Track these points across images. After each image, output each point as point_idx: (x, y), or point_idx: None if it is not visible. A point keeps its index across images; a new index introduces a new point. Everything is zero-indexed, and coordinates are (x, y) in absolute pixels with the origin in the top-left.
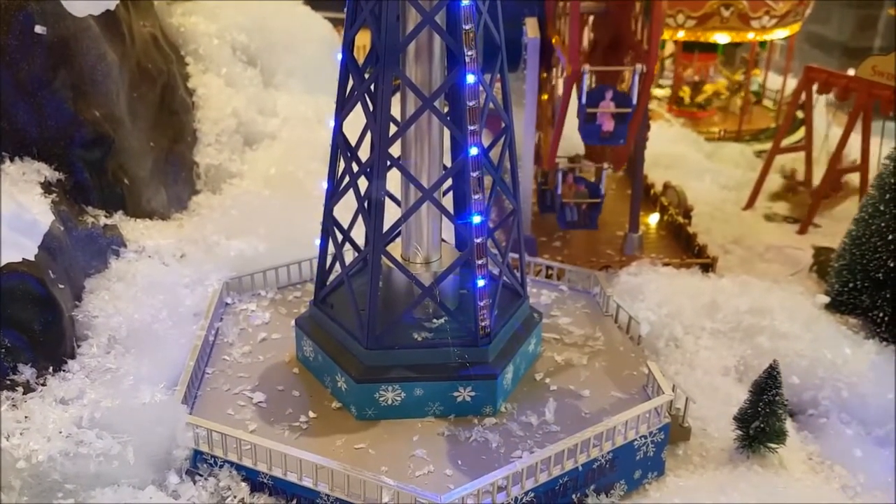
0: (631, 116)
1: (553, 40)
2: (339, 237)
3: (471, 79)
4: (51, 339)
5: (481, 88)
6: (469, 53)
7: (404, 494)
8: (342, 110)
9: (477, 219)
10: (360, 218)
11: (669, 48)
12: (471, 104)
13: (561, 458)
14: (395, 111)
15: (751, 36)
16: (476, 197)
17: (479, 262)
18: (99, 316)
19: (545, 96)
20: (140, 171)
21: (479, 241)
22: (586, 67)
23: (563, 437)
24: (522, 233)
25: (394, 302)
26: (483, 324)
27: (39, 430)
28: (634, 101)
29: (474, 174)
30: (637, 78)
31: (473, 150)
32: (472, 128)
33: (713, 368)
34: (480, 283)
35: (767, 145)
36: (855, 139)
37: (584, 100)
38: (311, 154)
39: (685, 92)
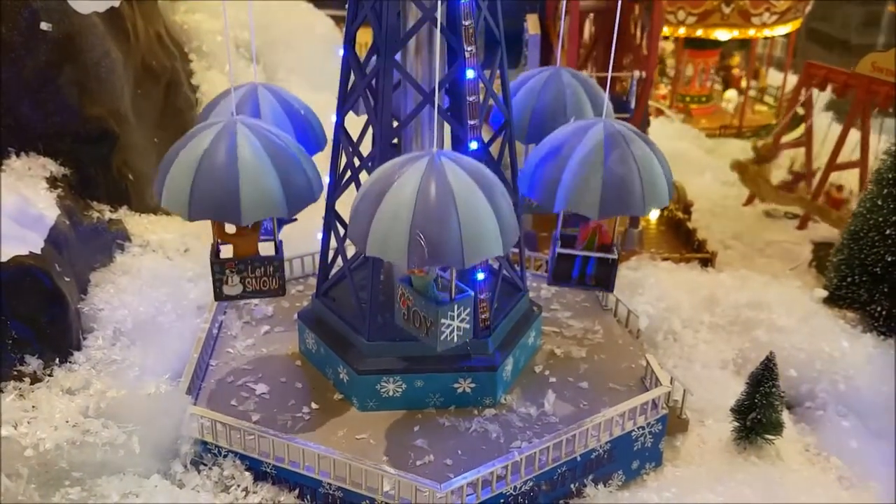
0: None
1: (553, 37)
2: (341, 231)
3: (470, 74)
4: (57, 331)
5: (481, 84)
6: (469, 49)
7: (405, 483)
8: (344, 105)
9: None
10: None
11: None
12: (471, 99)
13: (559, 448)
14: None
15: (751, 33)
16: None
17: None
18: (104, 309)
19: None
20: (144, 166)
21: None
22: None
23: (562, 427)
24: (523, 227)
25: (395, 294)
26: (483, 316)
27: (46, 419)
28: (633, 105)
29: None
30: (635, 84)
31: (473, 145)
32: (471, 122)
33: (711, 361)
34: (480, 276)
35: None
36: (854, 135)
37: None
38: None
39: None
